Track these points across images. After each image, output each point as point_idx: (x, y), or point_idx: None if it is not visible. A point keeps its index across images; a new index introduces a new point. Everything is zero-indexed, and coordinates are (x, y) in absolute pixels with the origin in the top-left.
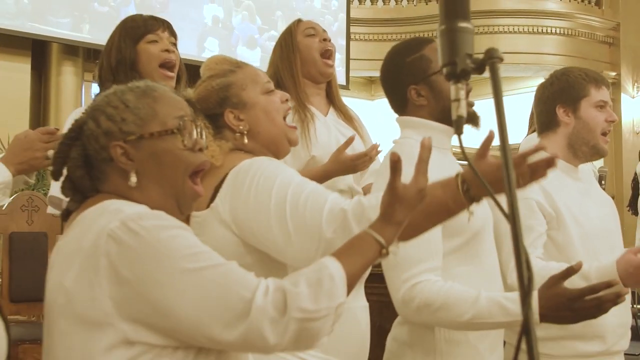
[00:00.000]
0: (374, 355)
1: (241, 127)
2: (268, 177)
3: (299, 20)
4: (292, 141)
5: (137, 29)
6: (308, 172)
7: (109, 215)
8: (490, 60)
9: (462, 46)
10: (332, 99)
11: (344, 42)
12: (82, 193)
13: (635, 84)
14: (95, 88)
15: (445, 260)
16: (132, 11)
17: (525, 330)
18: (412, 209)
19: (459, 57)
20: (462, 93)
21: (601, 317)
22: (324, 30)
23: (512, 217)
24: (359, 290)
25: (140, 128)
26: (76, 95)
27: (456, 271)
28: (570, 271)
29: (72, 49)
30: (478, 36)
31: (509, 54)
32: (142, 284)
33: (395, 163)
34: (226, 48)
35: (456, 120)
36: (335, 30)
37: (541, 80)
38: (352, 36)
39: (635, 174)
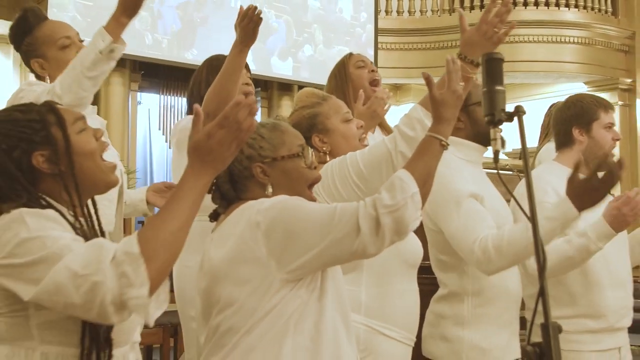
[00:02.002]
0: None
1: (324, 148)
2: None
3: (351, 54)
4: None
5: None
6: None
7: (255, 205)
8: (518, 114)
9: (498, 103)
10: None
11: (372, 52)
12: (228, 201)
13: None
14: (138, 96)
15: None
16: (174, 24)
17: (541, 293)
18: (455, 107)
19: (497, 111)
20: (499, 134)
21: (604, 299)
22: (372, 62)
23: (533, 218)
24: (413, 278)
25: (274, 153)
26: (123, 105)
27: None
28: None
29: (120, 61)
30: (501, 45)
31: (529, 62)
32: (284, 224)
33: (427, 79)
34: (261, 59)
35: (494, 153)
36: (364, 40)
37: (560, 86)
38: (380, 45)
39: None
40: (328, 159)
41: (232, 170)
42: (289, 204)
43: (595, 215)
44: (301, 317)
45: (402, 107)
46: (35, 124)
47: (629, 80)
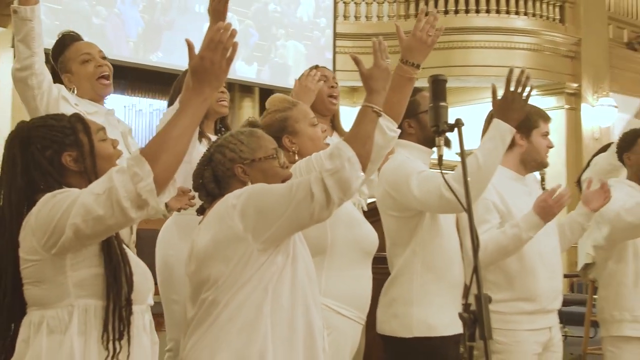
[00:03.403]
0: (372, 308)
1: (293, 149)
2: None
3: (317, 66)
4: None
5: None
6: None
7: (229, 195)
8: (458, 125)
9: (442, 116)
10: (335, 126)
11: (330, 55)
12: (212, 197)
13: (595, 94)
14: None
15: None
16: (139, 27)
17: (475, 270)
18: (382, 80)
19: (441, 123)
20: (442, 141)
21: (538, 284)
22: (334, 77)
23: (469, 210)
24: (368, 265)
25: (252, 155)
26: None
27: (429, 242)
28: (494, 89)
29: None
30: (453, 51)
31: (481, 67)
32: (254, 202)
33: (355, 59)
34: None
35: (439, 157)
36: (323, 44)
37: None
38: (338, 49)
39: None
40: (297, 158)
41: (216, 172)
42: (257, 187)
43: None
44: (278, 281)
45: (357, 109)
46: (67, 130)
47: (575, 85)
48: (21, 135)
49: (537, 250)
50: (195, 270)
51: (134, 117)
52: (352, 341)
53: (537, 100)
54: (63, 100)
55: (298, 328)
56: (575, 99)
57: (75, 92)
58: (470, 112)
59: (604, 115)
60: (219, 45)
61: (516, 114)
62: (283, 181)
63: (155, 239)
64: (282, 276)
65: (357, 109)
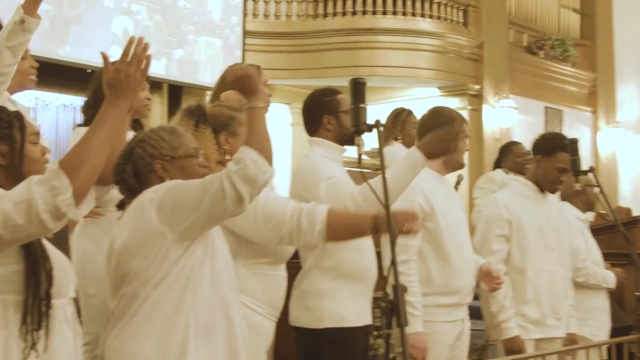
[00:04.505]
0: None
1: (226, 147)
2: None
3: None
4: None
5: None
6: None
7: (147, 191)
8: (377, 126)
9: (361, 117)
10: None
11: (240, 53)
12: (133, 192)
13: (496, 96)
14: None
15: None
16: (46, 20)
17: (393, 262)
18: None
19: (360, 123)
20: (362, 141)
21: (457, 280)
22: (266, 80)
23: (387, 207)
24: (283, 266)
25: (172, 152)
26: None
27: None
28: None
29: None
30: (360, 51)
31: (387, 68)
32: (170, 196)
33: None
34: None
35: (358, 155)
36: (233, 42)
37: (415, 91)
38: (247, 47)
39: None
40: (227, 157)
41: (136, 166)
42: (174, 182)
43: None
44: (199, 273)
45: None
46: (3, 123)
47: (477, 87)
48: None
49: (457, 247)
50: (115, 265)
51: (41, 111)
52: (267, 338)
53: (441, 101)
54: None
55: (218, 319)
56: (477, 100)
57: None
58: (376, 111)
59: (505, 116)
60: (133, 58)
61: (127, 93)
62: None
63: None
64: (203, 269)
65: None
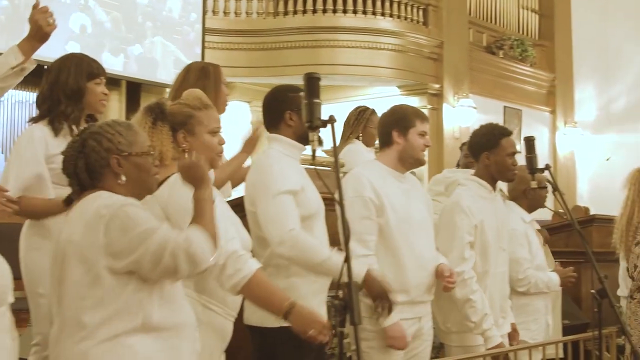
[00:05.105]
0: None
1: (184, 146)
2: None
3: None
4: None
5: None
6: None
7: (103, 199)
8: (330, 121)
9: (316, 113)
10: None
11: (199, 50)
12: (83, 188)
13: (456, 95)
14: None
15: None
16: (2, 14)
17: (346, 259)
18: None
19: (314, 119)
20: (316, 137)
21: (406, 276)
22: (224, 79)
23: (341, 203)
24: None
25: (129, 148)
26: None
27: None
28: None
29: None
30: (321, 49)
31: (348, 66)
32: (120, 232)
33: None
34: (90, 54)
35: (312, 151)
36: (192, 39)
37: (376, 89)
38: (207, 44)
39: None
40: (185, 156)
41: (89, 160)
42: (130, 207)
43: None
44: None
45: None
46: None
47: (437, 86)
48: None
49: (408, 244)
50: (60, 264)
51: None
52: (224, 338)
53: (401, 100)
54: None
55: (170, 319)
56: (437, 99)
57: None
58: (337, 110)
59: (464, 115)
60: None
61: (192, 180)
62: (151, 182)
63: (18, 233)
64: (156, 287)
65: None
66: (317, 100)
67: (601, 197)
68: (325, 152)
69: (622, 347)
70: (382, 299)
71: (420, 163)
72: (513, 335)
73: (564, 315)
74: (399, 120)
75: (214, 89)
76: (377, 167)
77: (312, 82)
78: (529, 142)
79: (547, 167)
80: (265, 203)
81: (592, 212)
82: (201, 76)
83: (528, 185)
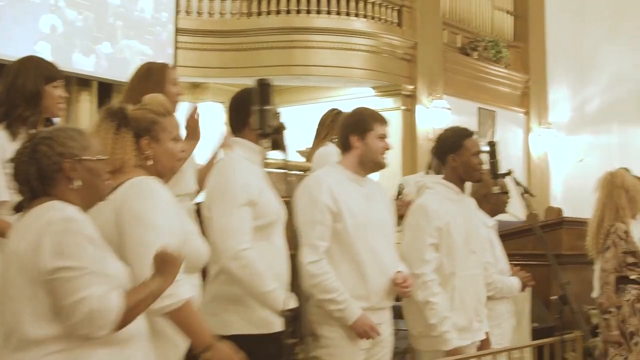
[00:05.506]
0: None
1: (148, 153)
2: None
3: (170, 67)
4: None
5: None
6: None
7: (53, 212)
8: (280, 130)
9: (267, 120)
10: None
11: (171, 51)
12: (34, 195)
13: (430, 96)
14: None
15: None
16: None
17: (293, 271)
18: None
19: (265, 126)
20: (267, 144)
21: (366, 282)
22: (175, 78)
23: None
24: (197, 274)
25: (82, 153)
26: None
27: (256, 244)
28: None
29: None
30: (294, 50)
31: (322, 67)
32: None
33: None
34: (61, 55)
35: (263, 159)
36: (164, 39)
37: (350, 90)
38: (180, 45)
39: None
40: (149, 163)
41: (41, 165)
42: (72, 235)
43: None
44: None
45: (200, 105)
46: None
47: (411, 87)
48: None
49: (368, 249)
50: (4, 274)
51: None
52: (178, 348)
53: (375, 101)
54: None
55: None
56: (411, 100)
57: None
58: (310, 110)
59: (438, 117)
60: None
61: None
62: (104, 188)
63: None
64: None
65: (198, 104)
66: (268, 107)
67: (575, 198)
68: (300, 152)
69: (590, 349)
70: None
71: (381, 166)
72: (485, 344)
73: (534, 318)
74: (357, 125)
75: (157, 91)
76: (338, 171)
77: (264, 88)
78: (492, 146)
79: (510, 173)
80: (222, 212)
81: (565, 213)
82: (142, 77)
83: (490, 189)
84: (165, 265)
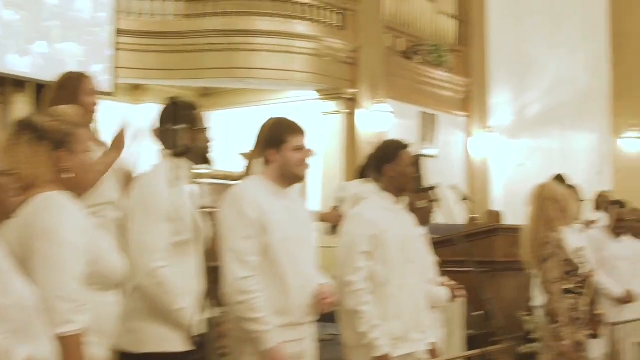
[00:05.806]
0: None
1: (65, 166)
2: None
3: (88, 78)
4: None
5: None
6: None
7: None
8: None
9: (179, 139)
10: None
11: (111, 52)
12: None
13: (372, 100)
14: None
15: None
16: None
17: (208, 292)
18: None
19: (179, 146)
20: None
21: (288, 297)
22: (92, 87)
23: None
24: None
25: None
26: None
27: (173, 261)
28: None
29: None
30: (236, 52)
31: (263, 70)
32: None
33: None
34: None
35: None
36: (103, 40)
37: (292, 93)
38: (120, 46)
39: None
40: (68, 175)
41: None
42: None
43: None
44: None
45: (140, 107)
46: None
47: (353, 91)
48: None
49: (292, 263)
50: None
51: None
52: None
53: (318, 104)
54: None
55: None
56: (353, 104)
57: None
58: (252, 114)
59: (380, 120)
60: None
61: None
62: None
63: None
64: None
65: (139, 106)
66: (181, 126)
67: (515, 202)
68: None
69: (529, 355)
70: None
71: (299, 178)
72: (432, 354)
73: (469, 325)
74: (271, 139)
75: (71, 101)
76: (260, 183)
77: (174, 108)
78: (416, 161)
79: (433, 187)
80: (140, 228)
81: (506, 217)
82: (58, 87)
83: (415, 202)
84: None
